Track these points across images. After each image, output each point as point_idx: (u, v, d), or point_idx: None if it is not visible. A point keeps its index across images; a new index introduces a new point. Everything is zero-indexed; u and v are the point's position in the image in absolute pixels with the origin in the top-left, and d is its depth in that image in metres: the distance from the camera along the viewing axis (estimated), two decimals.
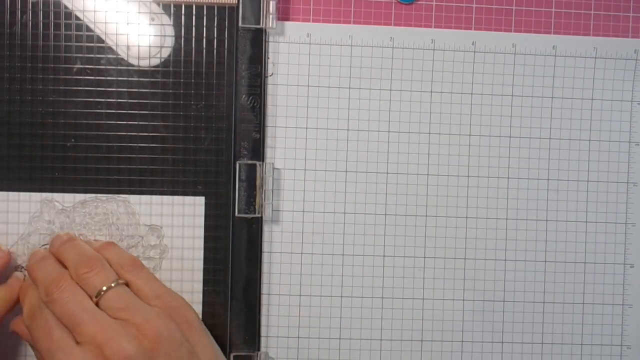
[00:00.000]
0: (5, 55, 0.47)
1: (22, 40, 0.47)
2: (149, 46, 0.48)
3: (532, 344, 0.51)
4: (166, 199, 0.48)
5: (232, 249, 0.48)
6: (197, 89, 0.48)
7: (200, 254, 0.48)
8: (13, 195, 0.47)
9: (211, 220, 0.48)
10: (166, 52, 0.48)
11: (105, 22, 0.48)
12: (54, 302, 0.40)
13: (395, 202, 0.50)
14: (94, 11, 0.47)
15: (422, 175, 0.50)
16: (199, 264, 0.48)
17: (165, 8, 0.48)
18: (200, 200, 0.48)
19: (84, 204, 0.48)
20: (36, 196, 0.47)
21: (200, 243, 0.48)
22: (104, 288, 0.41)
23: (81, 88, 0.47)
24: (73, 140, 0.48)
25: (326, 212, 0.50)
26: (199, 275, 0.48)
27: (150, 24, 0.48)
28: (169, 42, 0.48)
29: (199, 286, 0.48)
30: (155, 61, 0.48)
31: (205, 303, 0.48)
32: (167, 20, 0.48)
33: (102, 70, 0.48)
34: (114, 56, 0.48)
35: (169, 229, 0.48)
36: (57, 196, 0.48)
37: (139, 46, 0.48)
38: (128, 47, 0.48)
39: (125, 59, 0.48)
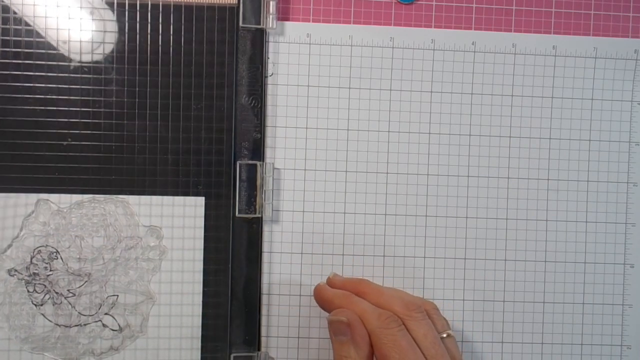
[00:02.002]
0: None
1: (16, 35, 0.47)
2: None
3: (532, 344, 0.51)
4: (166, 199, 0.48)
5: (232, 249, 0.48)
6: (197, 89, 0.48)
7: (200, 254, 0.48)
8: (9, 196, 0.47)
9: (211, 221, 0.48)
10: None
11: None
12: (417, 322, 0.43)
13: (395, 202, 0.50)
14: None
15: (422, 175, 0.50)
16: (199, 265, 0.48)
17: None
18: (200, 200, 0.48)
19: (81, 204, 0.47)
20: (32, 197, 0.47)
21: (200, 244, 0.48)
22: (444, 335, 0.44)
23: (79, 86, 0.47)
24: (70, 139, 0.47)
25: (326, 212, 0.50)
26: (199, 276, 0.48)
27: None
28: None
29: (199, 287, 0.48)
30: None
31: (205, 303, 0.48)
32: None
33: (100, 68, 0.47)
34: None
35: (169, 230, 0.48)
36: (54, 197, 0.47)
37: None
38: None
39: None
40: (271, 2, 0.47)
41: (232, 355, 0.48)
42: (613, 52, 0.51)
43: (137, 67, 0.47)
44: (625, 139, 0.51)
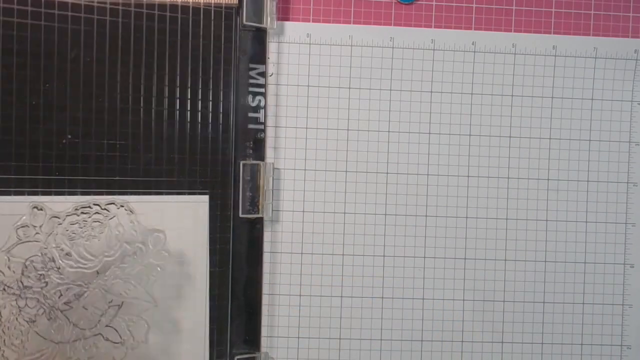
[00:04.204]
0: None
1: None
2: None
3: (532, 344, 0.51)
4: (169, 199, 0.47)
5: (233, 250, 0.48)
6: (203, 87, 0.47)
7: (203, 255, 0.48)
8: (4, 199, 0.45)
9: (214, 221, 0.48)
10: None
11: None
12: None
13: (395, 202, 0.50)
14: None
15: (422, 175, 0.50)
16: (203, 266, 0.48)
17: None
18: (205, 201, 0.48)
19: (79, 208, 0.46)
20: (25, 202, 0.45)
21: (204, 244, 0.48)
22: None
23: (80, 83, 0.47)
24: (70, 136, 0.47)
25: (326, 212, 0.50)
26: (204, 278, 0.48)
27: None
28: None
29: (203, 288, 0.48)
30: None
31: (211, 305, 0.48)
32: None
33: (102, 60, 0.47)
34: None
35: (171, 231, 0.48)
36: (50, 201, 0.46)
37: None
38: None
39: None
40: (272, 2, 0.47)
41: (233, 356, 0.48)
42: (613, 52, 0.51)
43: (137, 66, 0.47)
44: (625, 139, 0.51)
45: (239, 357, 0.48)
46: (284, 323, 0.49)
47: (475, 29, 0.50)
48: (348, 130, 0.50)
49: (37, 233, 0.45)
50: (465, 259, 0.50)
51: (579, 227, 0.51)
